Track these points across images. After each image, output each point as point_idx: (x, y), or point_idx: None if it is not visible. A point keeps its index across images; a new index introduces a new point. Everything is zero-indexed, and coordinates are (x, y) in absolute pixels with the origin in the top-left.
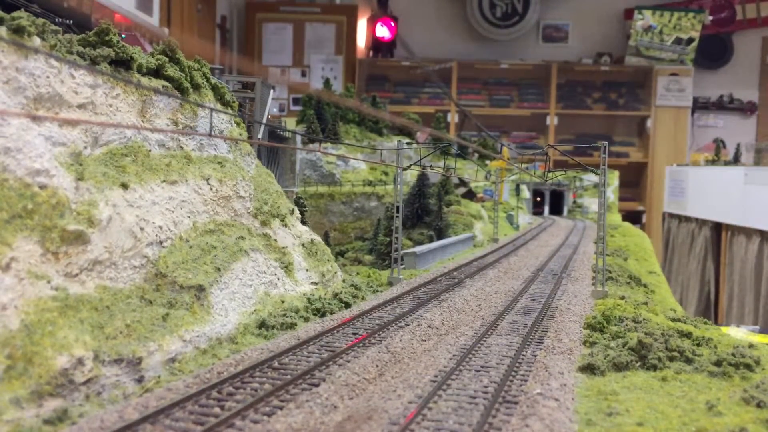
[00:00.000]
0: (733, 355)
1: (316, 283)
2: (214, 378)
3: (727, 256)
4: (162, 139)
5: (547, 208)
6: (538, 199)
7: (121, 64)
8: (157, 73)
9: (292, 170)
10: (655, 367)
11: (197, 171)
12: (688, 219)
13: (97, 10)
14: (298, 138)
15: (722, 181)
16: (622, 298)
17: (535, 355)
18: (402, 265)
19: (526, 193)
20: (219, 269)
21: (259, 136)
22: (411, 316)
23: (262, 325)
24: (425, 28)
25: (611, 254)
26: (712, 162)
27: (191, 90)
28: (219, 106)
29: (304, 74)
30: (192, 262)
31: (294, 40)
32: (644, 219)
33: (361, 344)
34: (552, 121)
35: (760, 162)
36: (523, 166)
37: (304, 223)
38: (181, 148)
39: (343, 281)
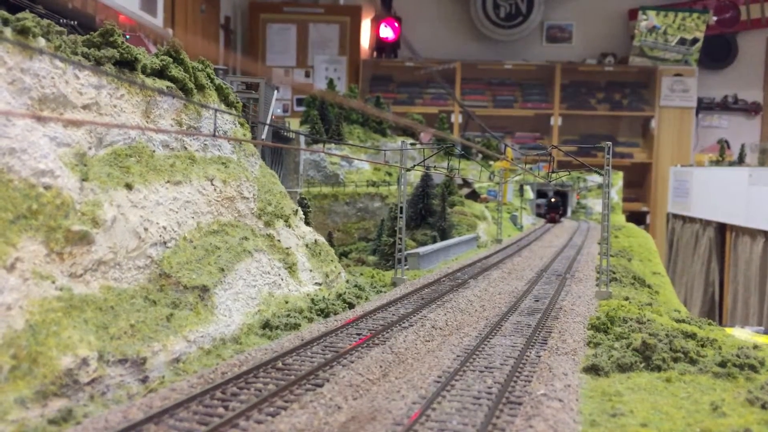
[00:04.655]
0: (738, 356)
1: (319, 284)
2: (218, 378)
3: (731, 257)
4: (166, 140)
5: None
6: (554, 199)
7: (126, 64)
8: (161, 73)
9: (296, 171)
10: (659, 368)
11: (201, 171)
12: (692, 220)
13: (101, 10)
14: (302, 138)
15: (726, 182)
16: (626, 298)
17: (539, 356)
18: (405, 265)
19: (530, 194)
20: (223, 270)
21: (263, 136)
22: (415, 316)
23: (266, 325)
24: (429, 28)
25: (615, 255)
26: (717, 162)
27: (195, 91)
28: (223, 107)
29: (307, 75)
30: (196, 262)
31: (298, 41)
32: (648, 220)
33: (365, 345)
34: (556, 121)
35: (765, 162)
36: (527, 166)
37: (307, 223)
38: (185, 148)
39: (347, 282)
